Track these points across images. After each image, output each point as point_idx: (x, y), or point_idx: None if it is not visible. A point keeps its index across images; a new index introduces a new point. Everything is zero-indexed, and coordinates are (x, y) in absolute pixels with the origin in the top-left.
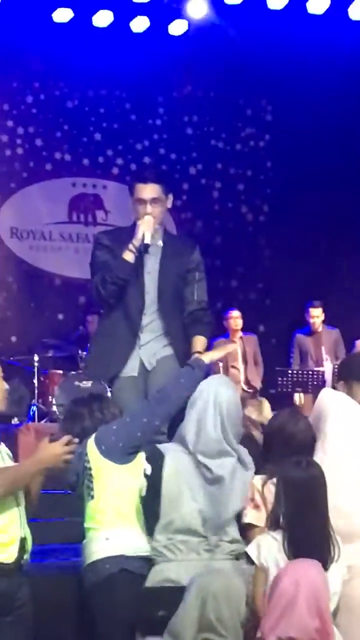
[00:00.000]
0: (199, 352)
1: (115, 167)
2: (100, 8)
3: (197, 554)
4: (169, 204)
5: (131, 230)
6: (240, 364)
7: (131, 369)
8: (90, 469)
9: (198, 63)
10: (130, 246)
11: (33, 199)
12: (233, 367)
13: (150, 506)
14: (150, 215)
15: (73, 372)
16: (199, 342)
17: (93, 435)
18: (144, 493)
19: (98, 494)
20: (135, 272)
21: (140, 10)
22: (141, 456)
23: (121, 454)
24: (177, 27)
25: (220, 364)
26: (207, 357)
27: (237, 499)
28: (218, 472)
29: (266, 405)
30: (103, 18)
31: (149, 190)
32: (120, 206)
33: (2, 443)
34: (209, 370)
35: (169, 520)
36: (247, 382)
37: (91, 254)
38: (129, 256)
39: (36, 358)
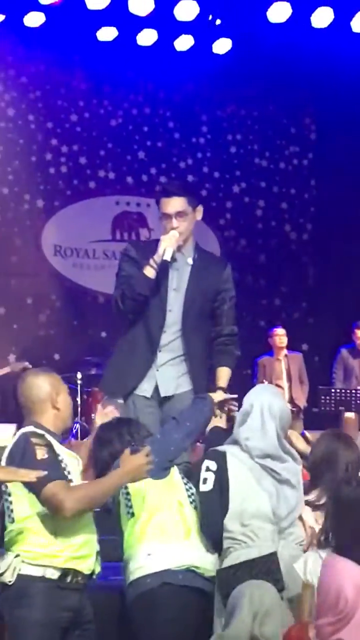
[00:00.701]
0: (222, 388)
1: (158, 186)
2: (144, 27)
3: (272, 541)
4: (199, 216)
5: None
6: (284, 382)
7: (145, 389)
8: (126, 487)
9: (242, 81)
10: (151, 262)
11: (77, 217)
12: (277, 385)
13: (218, 499)
14: (175, 230)
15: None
16: (224, 375)
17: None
18: (210, 487)
19: (138, 511)
20: (158, 287)
21: (185, 29)
22: (175, 470)
23: (157, 470)
24: (220, 46)
25: (265, 382)
26: (217, 397)
27: (302, 503)
28: (286, 476)
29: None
30: (147, 37)
31: (173, 204)
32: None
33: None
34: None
35: (242, 509)
36: (291, 401)
37: (118, 264)
38: (149, 272)
39: (79, 376)
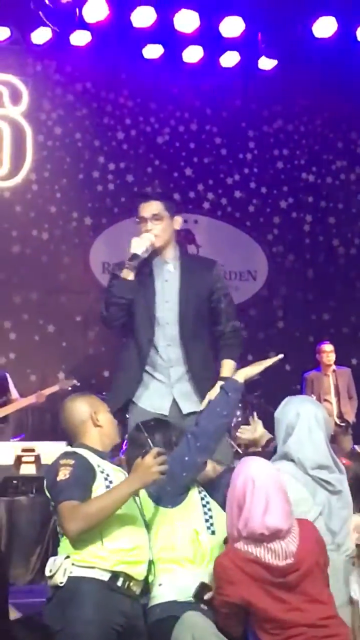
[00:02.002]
0: (224, 379)
1: (206, 202)
2: (190, 44)
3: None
4: (177, 226)
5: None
6: (332, 397)
7: (160, 406)
8: (144, 515)
9: (288, 96)
10: (126, 264)
11: (124, 235)
12: (326, 400)
13: None
14: (150, 233)
15: None
16: (226, 366)
17: None
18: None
19: (152, 542)
20: (147, 301)
21: (230, 45)
22: (193, 494)
23: (172, 497)
24: (267, 62)
25: (314, 397)
26: (242, 375)
27: (351, 513)
28: (338, 487)
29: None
30: (193, 54)
31: (149, 207)
32: (212, 240)
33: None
34: (243, 389)
35: None
36: (340, 416)
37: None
38: (125, 273)
39: None
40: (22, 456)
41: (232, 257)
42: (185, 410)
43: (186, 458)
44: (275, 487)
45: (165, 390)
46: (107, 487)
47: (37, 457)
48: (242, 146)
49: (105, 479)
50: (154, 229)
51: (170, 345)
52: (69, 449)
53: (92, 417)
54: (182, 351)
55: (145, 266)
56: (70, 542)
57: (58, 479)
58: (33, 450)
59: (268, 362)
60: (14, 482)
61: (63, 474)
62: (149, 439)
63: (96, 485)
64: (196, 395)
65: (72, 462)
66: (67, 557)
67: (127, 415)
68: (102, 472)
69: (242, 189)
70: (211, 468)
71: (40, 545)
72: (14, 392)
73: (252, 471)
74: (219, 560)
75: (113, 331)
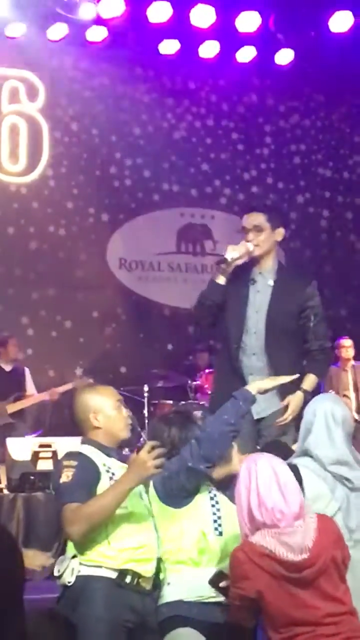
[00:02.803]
0: (305, 391)
1: (223, 197)
2: (206, 39)
3: None
4: (278, 237)
5: (242, 266)
6: (351, 393)
7: None
8: (152, 514)
9: (304, 92)
10: (220, 269)
11: (141, 230)
12: (345, 395)
13: None
14: (250, 243)
15: (183, 402)
16: (307, 379)
17: (152, 482)
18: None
19: (160, 541)
20: (239, 310)
21: (246, 40)
22: (202, 494)
23: (177, 499)
24: (283, 57)
25: (332, 392)
26: (255, 387)
27: None
28: (358, 484)
29: None
30: (209, 49)
31: (251, 219)
32: (228, 236)
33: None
34: (254, 401)
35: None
36: (359, 411)
37: None
38: (217, 277)
39: (146, 388)
40: (39, 452)
41: None
42: (256, 416)
43: (189, 464)
44: (278, 470)
45: None
46: (111, 479)
47: (54, 453)
48: (259, 141)
49: (111, 478)
50: (254, 240)
51: (255, 354)
52: (70, 449)
53: (90, 418)
54: (265, 361)
55: (245, 274)
56: (75, 544)
57: (61, 481)
58: (50, 446)
59: (283, 380)
60: (31, 477)
61: (66, 476)
62: (167, 430)
63: (101, 485)
64: (271, 400)
65: (74, 463)
66: (74, 556)
67: None
68: (108, 471)
69: (259, 184)
70: (237, 462)
71: (57, 541)
72: (30, 388)
73: (255, 458)
74: (234, 554)
75: (203, 331)
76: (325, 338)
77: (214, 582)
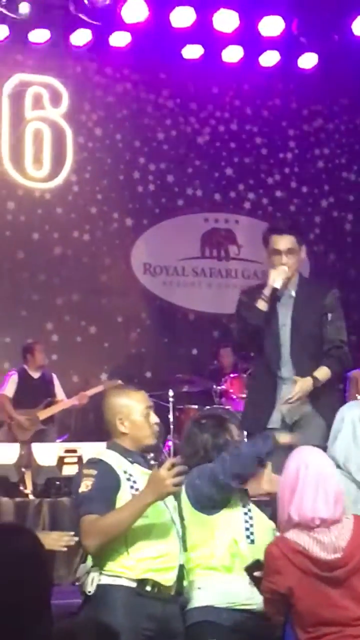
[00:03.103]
0: (315, 377)
1: (247, 202)
2: (229, 44)
3: None
4: (303, 255)
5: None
6: None
7: (274, 421)
8: (183, 518)
9: (328, 95)
10: (262, 295)
11: (165, 235)
12: None
13: None
14: (284, 266)
15: (208, 407)
16: (319, 370)
17: (183, 487)
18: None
19: (190, 547)
20: (271, 325)
21: (270, 45)
22: (234, 501)
23: (208, 509)
24: (306, 61)
25: (358, 396)
26: (283, 438)
27: None
28: None
29: None
30: (233, 53)
31: (284, 242)
32: (252, 240)
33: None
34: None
35: None
36: None
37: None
38: (260, 304)
39: (171, 393)
40: (65, 457)
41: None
42: (289, 422)
43: (220, 477)
44: (327, 475)
45: (278, 405)
46: (133, 495)
47: (80, 458)
48: (283, 145)
49: (132, 487)
50: (288, 262)
51: (285, 364)
52: (91, 456)
53: (117, 422)
54: (294, 370)
55: (273, 291)
56: (92, 556)
57: (80, 490)
58: (75, 451)
59: (293, 439)
60: (57, 483)
61: (85, 485)
62: (198, 437)
63: (121, 493)
64: (302, 405)
65: (94, 472)
66: (94, 565)
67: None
68: (129, 479)
69: (283, 188)
70: (268, 480)
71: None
72: (59, 394)
73: (305, 457)
74: (268, 549)
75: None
76: (339, 336)
77: (250, 569)
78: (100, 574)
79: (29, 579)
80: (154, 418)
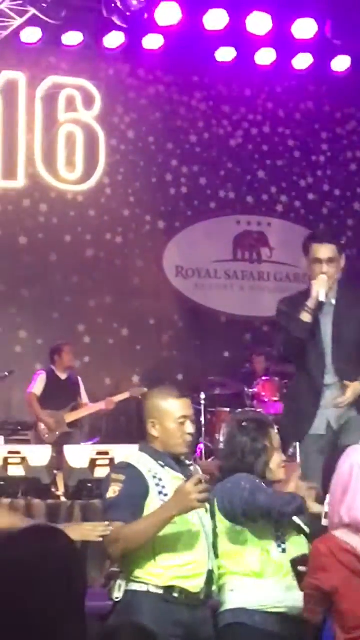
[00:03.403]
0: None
1: (279, 205)
2: (262, 46)
3: None
4: (343, 263)
5: (308, 292)
6: None
7: (317, 427)
8: (216, 526)
9: None
10: (306, 306)
11: (198, 238)
12: None
13: None
14: (325, 275)
15: (240, 410)
16: (351, 386)
17: (217, 497)
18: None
19: (222, 555)
20: (313, 334)
21: (303, 47)
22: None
23: (239, 519)
24: (339, 63)
25: None
26: (314, 508)
27: None
28: None
29: None
30: (265, 56)
31: (325, 251)
32: (285, 243)
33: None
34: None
35: None
36: None
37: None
38: (305, 316)
39: (203, 396)
40: (97, 459)
41: (305, 260)
42: (336, 427)
43: (243, 508)
44: None
45: (322, 411)
46: (162, 500)
47: (112, 460)
48: (315, 148)
49: (160, 492)
50: (329, 271)
51: (328, 372)
52: (120, 460)
53: (149, 425)
54: (337, 377)
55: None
56: (122, 561)
57: (107, 496)
58: (107, 454)
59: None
60: (89, 485)
61: (113, 491)
62: (237, 438)
63: (149, 500)
64: (347, 410)
65: (122, 477)
66: (122, 572)
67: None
68: (158, 485)
69: (316, 191)
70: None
71: None
72: (84, 397)
73: (359, 457)
74: (315, 545)
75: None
76: None
77: (294, 562)
78: (128, 580)
79: (63, 580)
80: (189, 428)
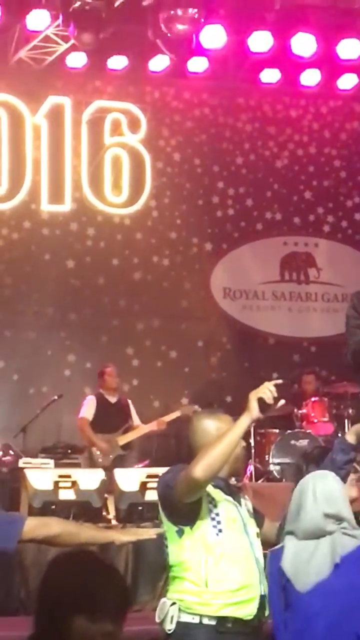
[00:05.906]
0: None
1: (326, 225)
2: (307, 67)
3: None
4: None
5: None
6: None
7: None
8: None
9: None
10: None
11: (245, 259)
12: None
13: None
14: None
15: (289, 431)
16: None
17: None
18: None
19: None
20: None
21: (348, 68)
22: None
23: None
24: None
25: None
26: (353, 433)
27: None
28: None
29: None
30: (310, 77)
31: None
32: (332, 263)
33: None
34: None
35: None
36: None
37: (345, 314)
38: None
39: None
40: (147, 482)
41: (352, 280)
42: None
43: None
44: None
45: None
46: (212, 519)
47: None
48: None
49: (210, 510)
50: None
51: None
52: None
53: (205, 444)
54: None
55: None
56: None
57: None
58: (157, 477)
59: None
60: (139, 508)
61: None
62: (303, 467)
63: (201, 515)
64: None
65: None
66: (174, 603)
67: None
68: (210, 502)
69: None
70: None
71: (166, 572)
72: (135, 419)
73: None
74: None
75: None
76: None
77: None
78: (180, 611)
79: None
80: (242, 441)
